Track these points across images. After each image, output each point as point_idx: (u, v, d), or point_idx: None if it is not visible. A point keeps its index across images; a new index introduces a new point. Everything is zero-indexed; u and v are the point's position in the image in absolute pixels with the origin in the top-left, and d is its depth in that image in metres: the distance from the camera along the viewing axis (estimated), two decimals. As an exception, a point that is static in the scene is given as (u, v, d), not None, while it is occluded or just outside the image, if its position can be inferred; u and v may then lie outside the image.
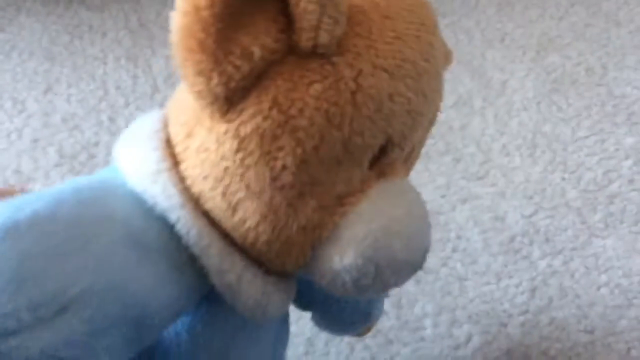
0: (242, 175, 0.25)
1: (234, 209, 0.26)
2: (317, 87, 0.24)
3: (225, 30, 0.23)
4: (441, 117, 0.71)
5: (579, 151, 0.70)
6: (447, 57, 0.32)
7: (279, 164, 0.25)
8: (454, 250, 0.59)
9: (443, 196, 0.64)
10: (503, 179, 0.66)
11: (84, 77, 0.74)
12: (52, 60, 0.76)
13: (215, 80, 0.24)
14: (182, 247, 0.27)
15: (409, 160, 0.31)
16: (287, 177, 0.25)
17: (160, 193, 0.27)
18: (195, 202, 0.27)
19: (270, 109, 0.25)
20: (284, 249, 0.27)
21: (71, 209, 0.26)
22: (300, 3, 0.24)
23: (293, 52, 0.25)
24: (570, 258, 0.58)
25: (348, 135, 0.25)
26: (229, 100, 0.25)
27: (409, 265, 0.28)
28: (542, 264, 0.58)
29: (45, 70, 0.75)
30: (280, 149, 0.25)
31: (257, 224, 0.26)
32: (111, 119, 0.69)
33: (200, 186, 0.26)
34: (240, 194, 0.26)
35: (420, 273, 0.57)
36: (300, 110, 0.24)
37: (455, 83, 0.78)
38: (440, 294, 0.55)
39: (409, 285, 0.56)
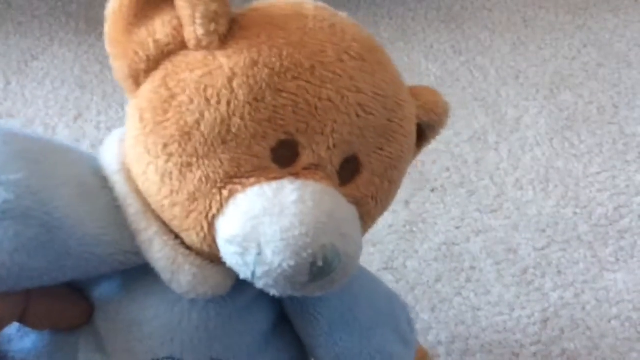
0: (145, 142, 0.30)
1: (144, 172, 0.30)
2: (198, 72, 0.30)
3: (131, 26, 0.30)
4: (456, 151, 0.74)
5: (590, 187, 0.71)
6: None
7: (168, 132, 0.30)
8: (468, 280, 0.60)
9: (457, 227, 0.66)
10: (516, 212, 0.68)
11: (113, 105, 0.77)
12: (83, 89, 0.79)
13: (123, 62, 0.31)
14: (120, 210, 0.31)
15: (361, 179, 0.32)
16: (173, 146, 0.30)
17: (107, 160, 0.32)
18: (127, 170, 0.31)
19: (159, 86, 0.30)
20: (183, 216, 0.30)
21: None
22: (178, 2, 0.30)
23: (186, 47, 0.31)
24: (581, 291, 0.60)
25: (227, 115, 0.29)
26: (134, 79, 0.31)
27: (289, 251, 0.28)
28: (554, 295, 0.59)
29: (76, 97, 0.78)
30: (168, 120, 0.30)
31: (159, 188, 0.30)
32: (138, 146, 0.72)
33: (129, 155, 0.31)
34: (145, 159, 0.30)
35: (434, 302, 0.59)
36: (183, 89, 0.30)
37: (470, 119, 0.80)
38: (454, 323, 0.57)
39: (424, 314, 0.57)
